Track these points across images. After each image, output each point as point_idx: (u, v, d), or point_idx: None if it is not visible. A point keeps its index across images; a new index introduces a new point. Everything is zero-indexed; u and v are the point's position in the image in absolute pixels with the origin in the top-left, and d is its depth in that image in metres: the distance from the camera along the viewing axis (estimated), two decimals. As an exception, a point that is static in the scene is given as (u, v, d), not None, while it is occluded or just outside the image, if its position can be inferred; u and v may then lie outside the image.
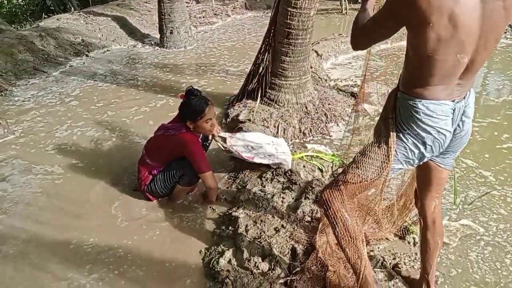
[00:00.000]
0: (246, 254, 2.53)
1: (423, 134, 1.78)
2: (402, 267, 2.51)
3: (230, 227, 2.80)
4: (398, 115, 1.87)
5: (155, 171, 3.07)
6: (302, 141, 4.18)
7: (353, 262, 2.07)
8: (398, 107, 1.86)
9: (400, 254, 2.61)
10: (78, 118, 4.51)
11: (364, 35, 1.85)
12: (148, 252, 2.68)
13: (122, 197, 3.23)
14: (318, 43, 6.64)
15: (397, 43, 7.38)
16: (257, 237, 2.67)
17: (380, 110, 2.04)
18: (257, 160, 3.28)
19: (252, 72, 4.47)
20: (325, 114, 4.44)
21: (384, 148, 1.89)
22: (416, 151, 1.84)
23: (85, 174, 3.50)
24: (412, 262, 2.56)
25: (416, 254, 2.63)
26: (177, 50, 6.94)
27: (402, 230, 2.77)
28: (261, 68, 4.34)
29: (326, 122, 4.38)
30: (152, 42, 7.15)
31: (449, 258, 2.66)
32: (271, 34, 4.18)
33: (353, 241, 2.01)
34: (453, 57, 1.62)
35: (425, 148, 1.82)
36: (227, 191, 3.27)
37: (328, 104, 4.57)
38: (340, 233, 1.99)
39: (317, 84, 4.95)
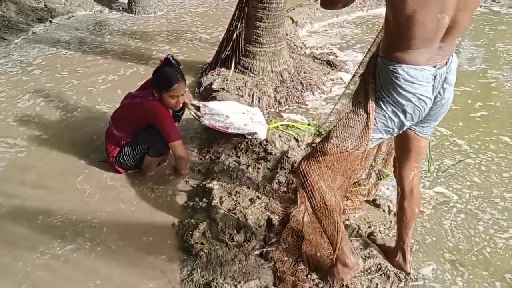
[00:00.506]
0: (220, 226, 2.47)
1: (403, 101, 1.71)
2: (377, 235, 2.50)
3: (204, 199, 2.72)
4: (377, 82, 1.79)
5: (122, 142, 2.93)
6: (277, 110, 4.09)
7: (330, 233, 2.03)
8: (378, 73, 1.78)
9: (375, 223, 2.61)
10: (41, 88, 4.27)
11: None
12: (121, 226, 2.59)
13: (89, 169, 3.08)
14: (294, 9, 6.46)
15: (372, 11, 7.33)
16: (231, 209, 2.61)
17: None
18: (231, 130, 3.18)
19: (225, 39, 4.30)
20: (301, 82, 4.35)
21: (363, 117, 1.82)
22: (396, 120, 1.78)
23: (49, 147, 3.32)
24: (387, 230, 2.57)
25: (391, 222, 2.63)
26: (147, 16, 6.62)
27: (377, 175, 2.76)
28: (235, 35, 4.17)
29: (301, 91, 4.29)
30: (120, 8, 6.79)
31: (423, 226, 2.67)
32: (245, -1, 4.00)
33: (330, 213, 1.96)
34: (434, 17, 1.54)
35: (405, 117, 1.76)
36: (200, 163, 3.17)
37: (304, 73, 4.47)
38: (317, 205, 1.94)
39: (292, 52, 4.82)
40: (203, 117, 3.19)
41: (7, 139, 3.41)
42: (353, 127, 1.84)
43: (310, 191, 1.93)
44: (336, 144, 1.85)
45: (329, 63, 4.94)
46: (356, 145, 1.84)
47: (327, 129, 3.45)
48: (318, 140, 2.01)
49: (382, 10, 7.55)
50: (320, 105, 4.24)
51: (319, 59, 5.02)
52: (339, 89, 4.56)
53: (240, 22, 4.10)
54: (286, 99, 4.14)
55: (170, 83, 2.76)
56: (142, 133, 2.87)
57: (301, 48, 5.39)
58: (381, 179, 2.74)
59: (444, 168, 3.23)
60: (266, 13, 3.91)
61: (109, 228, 2.57)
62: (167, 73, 2.77)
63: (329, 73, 4.72)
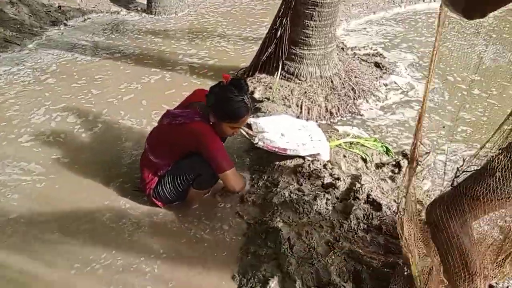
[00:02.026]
0: (298, 284, 1.90)
1: None
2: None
3: (268, 243, 2.16)
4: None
5: (162, 171, 2.38)
6: (329, 122, 3.53)
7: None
8: None
9: None
10: (56, 100, 3.74)
11: None
12: (168, 275, 2.04)
13: (121, 201, 2.55)
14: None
15: (410, 6, 6.73)
16: (306, 257, 2.05)
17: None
18: (290, 152, 2.62)
19: (267, 40, 3.74)
20: (353, 89, 3.78)
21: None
22: None
23: (70, 173, 2.79)
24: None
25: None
26: (168, 17, 6.08)
27: None
28: (278, 35, 3.61)
29: (354, 99, 3.72)
30: (139, 8, 6.26)
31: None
32: (292, -7, 3.44)
33: (471, 279, 1.41)
34: None
35: None
36: (253, 192, 2.61)
37: (355, 77, 3.89)
38: (454, 265, 1.40)
39: (338, 54, 4.25)
40: (255, 136, 2.63)
41: (20, 164, 2.89)
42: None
43: (446, 246, 1.39)
44: (494, 188, 1.29)
45: (377, 65, 4.37)
46: None
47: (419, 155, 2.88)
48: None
49: (421, 6, 7.00)
50: (378, 115, 3.67)
51: (366, 61, 4.44)
52: (395, 95, 3.98)
53: (285, 19, 3.52)
54: (339, 108, 3.57)
55: (239, 115, 2.24)
56: (187, 161, 2.32)
57: (343, 49, 4.82)
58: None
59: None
60: (318, 10, 3.34)
61: (155, 277, 2.03)
62: (237, 104, 2.22)
63: (381, 77, 4.14)
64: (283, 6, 3.54)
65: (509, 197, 1.28)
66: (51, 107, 3.61)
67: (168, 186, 2.35)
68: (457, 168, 1.54)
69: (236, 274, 2.05)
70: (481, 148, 1.39)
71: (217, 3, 6.87)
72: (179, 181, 2.33)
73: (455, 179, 1.44)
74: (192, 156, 2.31)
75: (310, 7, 3.35)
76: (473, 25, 5.83)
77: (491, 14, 1.17)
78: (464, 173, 1.42)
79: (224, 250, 2.21)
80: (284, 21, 3.52)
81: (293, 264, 2.00)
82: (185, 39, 5.22)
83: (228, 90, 2.21)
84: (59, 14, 5.70)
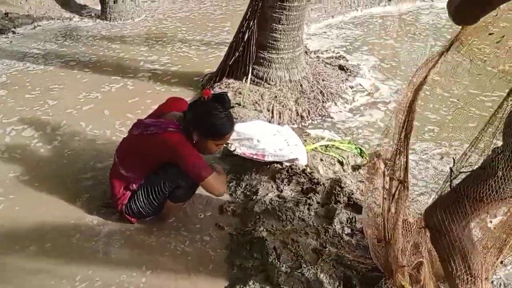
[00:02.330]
0: (290, 296, 1.83)
1: None
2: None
3: (254, 254, 2.07)
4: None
5: (134, 185, 2.23)
6: (300, 125, 3.50)
7: (468, 306, 1.46)
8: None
9: None
10: (10, 113, 3.47)
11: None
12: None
13: (90, 219, 2.37)
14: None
15: (367, 10, 6.88)
16: (295, 267, 1.98)
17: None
18: (268, 158, 2.55)
19: (234, 44, 3.66)
20: (321, 92, 3.77)
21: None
22: None
23: (31, 191, 2.57)
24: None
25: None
26: (124, 23, 5.86)
27: None
28: (246, 39, 3.54)
29: (323, 102, 3.71)
30: (92, 14, 5.99)
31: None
32: (258, -3, 3.38)
33: (474, 281, 1.40)
34: None
35: None
36: (231, 201, 2.52)
37: (323, 80, 3.90)
38: (457, 269, 1.38)
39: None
40: (232, 144, 2.54)
41: (-27, 184, 2.63)
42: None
43: (448, 250, 1.37)
44: (497, 188, 1.27)
45: (342, 68, 4.40)
46: None
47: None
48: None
49: (376, 9, 7.18)
50: (347, 117, 3.68)
51: (330, 64, 4.47)
52: (361, 97, 4.02)
53: (253, 22, 3.45)
54: (309, 112, 3.55)
55: (223, 133, 2.17)
56: (162, 172, 2.18)
57: (306, 52, 4.82)
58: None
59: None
60: (286, 14, 3.31)
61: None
62: (221, 120, 2.13)
63: (346, 79, 4.17)
64: (250, 10, 3.48)
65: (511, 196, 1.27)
66: (4, 121, 3.35)
67: (142, 201, 2.21)
68: (450, 168, 1.53)
69: (223, 290, 1.95)
70: (470, 147, 1.39)
71: (174, 8, 6.73)
72: (154, 195, 2.20)
73: (452, 180, 1.42)
74: (166, 168, 2.18)
75: (278, 10, 3.31)
76: (428, 27, 6.05)
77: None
78: (460, 174, 1.41)
79: (209, 263, 2.10)
80: (251, 24, 3.46)
81: (282, 275, 1.92)
82: (145, 45, 5.04)
83: (212, 107, 2.12)
84: (7, 21, 5.34)
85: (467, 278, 1.39)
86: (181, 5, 6.90)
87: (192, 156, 2.11)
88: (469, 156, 1.51)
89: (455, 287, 1.43)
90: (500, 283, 1.96)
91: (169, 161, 2.15)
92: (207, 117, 2.12)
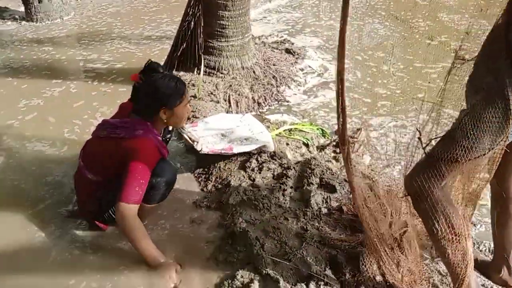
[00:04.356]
0: (282, 283, 1.81)
1: None
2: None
3: (238, 247, 2.03)
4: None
5: (103, 189, 2.09)
6: (258, 112, 3.47)
7: (455, 264, 1.53)
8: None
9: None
10: None
11: None
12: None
13: (60, 233, 2.19)
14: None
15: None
16: (281, 254, 1.96)
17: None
18: (236, 150, 2.51)
19: (180, 35, 3.53)
20: (274, 77, 3.76)
21: (500, 104, 1.31)
22: None
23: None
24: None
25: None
26: (52, 23, 5.49)
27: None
28: (192, 28, 3.43)
29: (277, 86, 3.71)
30: (16, 16, 5.54)
31: None
32: (201, -17, 3.28)
33: (459, 239, 1.46)
34: None
35: None
36: (204, 196, 2.45)
37: (273, 65, 3.89)
38: (441, 230, 1.45)
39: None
40: (197, 142, 2.46)
41: None
42: (488, 121, 1.32)
43: (431, 213, 1.43)
44: (469, 147, 1.33)
45: (289, 51, 4.43)
46: (492, 145, 1.35)
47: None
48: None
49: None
50: (302, 100, 3.70)
51: (277, 49, 4.47)
52: (313, 79, 4.06)
53: (197, 8, 3.34)
54: (265, 98, 3.54)
55: (182, 90, 2.04)
56: None
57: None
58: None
59: None
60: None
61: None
62: (169, 83, 1.99)
63: (296, 62, 4.20)
64: (193, -2, 3.37)
65: (484, 153, 1.33)
66: None
67: (112, 205, 2.08)
68: (419, 138, 1.57)
69: (210, 287, 1.89)
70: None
71: (103, 4, 6.42)
72: None
73: (425, 147, 1.47)
74: None
75: (223, -4, 3.24)
76: (362, 7, 6.23)
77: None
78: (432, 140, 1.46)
79: (192, 262, 2.02)
80: (196, 11, 3.34)
81: (270, 263, 1.90)
82: (80, 44, 4.75)
83: (151, 81, 1.99)
84: None
85: (452, 238, 1.44)
86: (111, 0, 6.59)
87: (140, 175, 1.91)
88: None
89: (441, 248, 1.48)
90: (474, 243, 2.07)
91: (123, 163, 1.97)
92: (156, 91, 1.98)
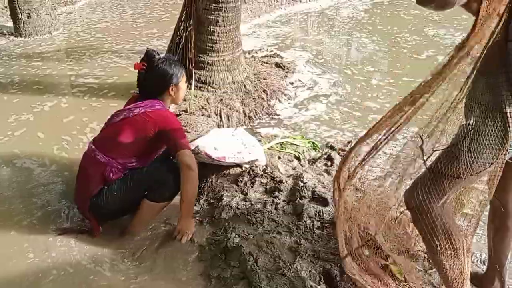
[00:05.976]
0: (277, 298, 1.80)
1: None
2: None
3: (231, 263, 2.02)
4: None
5: (111, 175, 2.14)
6: (249, 126, 3.49)
7: (451, 278, 1.55)
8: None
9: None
10: None
11: None
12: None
13: (47, 247, 2.15)
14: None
15: (290, 8, 7.04)
16: (275, 268, 1.96)
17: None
18: (229, 160, 2.51)
19: (171, 50, 3.56)
20: (264, 90, 3.80)
21: (498, 120, 1.34)
22: None
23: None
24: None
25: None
26: (41, 38, 5.47)
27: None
28: (183, 42, 3.46)
29: (268, 100, 3.74)
30: (4, 31, 5.52)
31: None
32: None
33: (457, 254, 1.47)
34: None
35: None
36: (197, 211, 2.44)
37: (264, 79, 3.92)
38: (441, 246, 1.45)
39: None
40: (196, 148, 2.48)
41: None
42: (488, 135, 1.35)
43: (431, 228, 1.44)
44: (470, 162, 1.35)
45: (278, 65, 4.47)
46: (493, 159, 1.37)
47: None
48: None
49: (300, 6, 7.36)
50: (293, 113, 3.74)
51: (267, 63, 4.51)
52: (303, 92, 4.10)
53: (188, 23, 3.37)
54: (256, 111, 3.56)
55: (181, 67, 2.36)
56: (146, 167, 2.22)
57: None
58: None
59: None
60: (222, 15, 3.28)
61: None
62: (171, 62, 2.29)
63: (286, 76, 4.24)
64: (184, 12, 3.40)
65: (485, 168, 1.35)
66: None
67: (114, 194, 2.11)
68: (421, 147, 1.59)
69: (205, 304, 1.87)
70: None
71: (93, 19, 6.42)
72: (132, 189, 2.13)
73: (425, 160, 1.48)
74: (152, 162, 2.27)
75: (214, 12, 3.27)
76: (349, 21, 6.33)
77: None
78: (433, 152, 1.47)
79: (184, 280, 2.00)
80: (187, 24, 3.37)
81: (264, 278, 1.89)
82: (71, 59, 4.74)
83: (154, 65, 2.23)
84: None
85: (451, 253, 1.46)
86: (101, 15, 6.61)
87: (181, 128, 2.26)
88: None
89: (439, 263, 1.50)
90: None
91: (153, 135, 2.16)
92: (164, 72, 2.24)
